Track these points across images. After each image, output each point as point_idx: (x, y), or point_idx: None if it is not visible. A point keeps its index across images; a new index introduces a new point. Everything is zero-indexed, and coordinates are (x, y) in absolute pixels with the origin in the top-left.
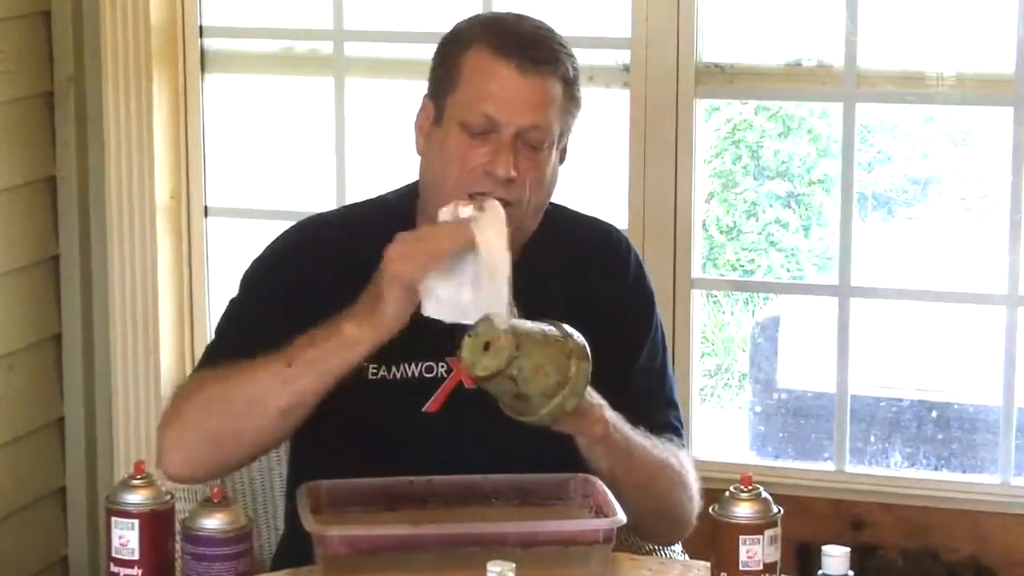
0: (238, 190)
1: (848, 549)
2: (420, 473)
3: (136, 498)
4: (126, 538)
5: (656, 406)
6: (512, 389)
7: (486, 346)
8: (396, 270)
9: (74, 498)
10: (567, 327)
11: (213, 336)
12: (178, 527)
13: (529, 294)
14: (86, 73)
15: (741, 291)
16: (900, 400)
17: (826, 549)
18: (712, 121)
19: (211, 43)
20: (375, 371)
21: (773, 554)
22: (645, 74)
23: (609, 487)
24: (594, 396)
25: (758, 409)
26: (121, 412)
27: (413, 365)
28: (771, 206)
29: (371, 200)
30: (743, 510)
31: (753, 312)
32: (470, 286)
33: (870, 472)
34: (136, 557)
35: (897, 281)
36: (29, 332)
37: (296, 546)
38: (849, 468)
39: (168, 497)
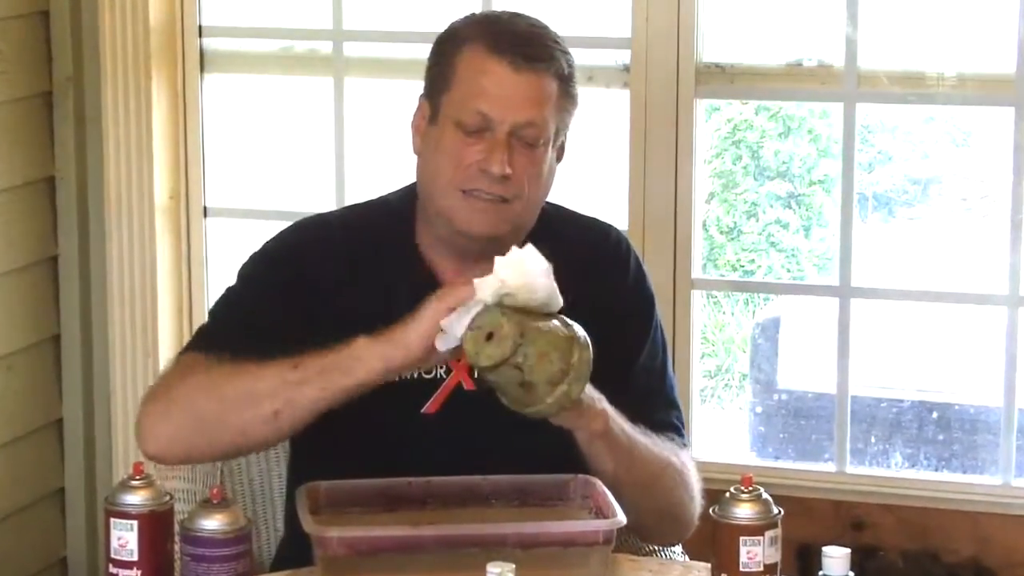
0: (237, 190)
1: (848, 550)
2: (419, 474)
3: (135, 499)
4: (125, 539)
5: (656, 406)
6: (517, 378)
7: (489, 336)
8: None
9: (73, 499)
10: (566, 318)
11: (207, 319)
12: (177, 528)
13: None
14: (85, 73)
15: (741, 292)
16: (901, 401)
17: (826, 550)
18: (712, 121)
19: (210, 43)
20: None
21: (774, 555)
22: (645, 74)
23: (610, 487)
24: (593, 391)
25: (758, 410)
26: (120, 413)
27: None
28: (771, 206)
29: (371, 201)
30: (743, 511)
31: (753, 313)
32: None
33: (871, 473)
34: (135, 558)
35: (898, 282)
36: (28, 333)
37: (295, 547)
38: (850, 469)
39: (167, 498)
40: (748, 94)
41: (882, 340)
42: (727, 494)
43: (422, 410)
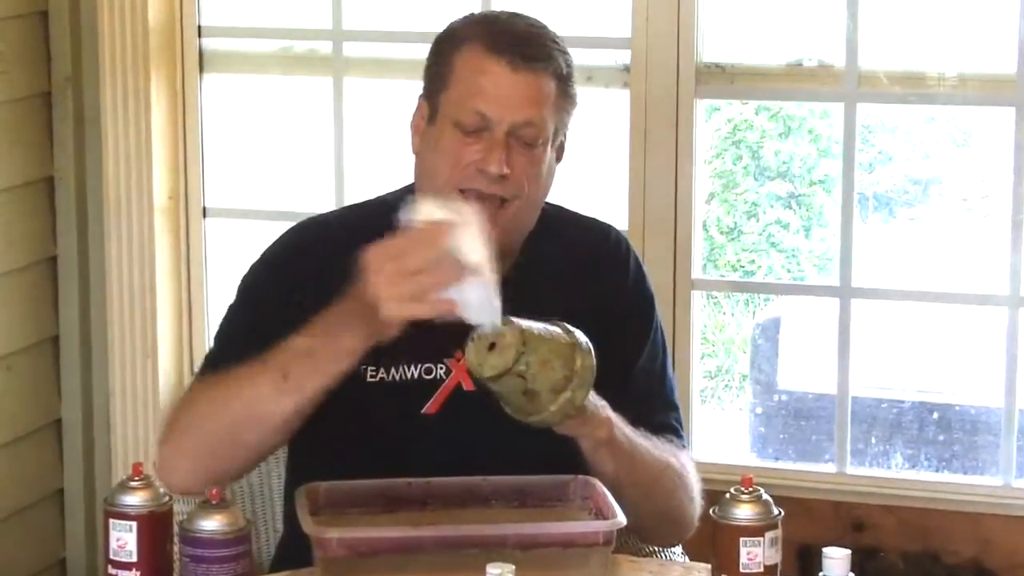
0: (237, 190)
1: (849, 551)
2: (419, 475)
3: (134, 500)
4: (124, 540)
5: (656, 408)
6: (521, 386)
7: (491, 347)
8: (378, 294)
9: (72, 500)
10: (568, 325)
11: (212, 344)
12: (176, 529)
13: (528, 295)
14: (84, 73)
15: (741, 292)
16: (901, 402)
17: (827, 551)
18: (712, 121)
19: (209, 43)
20: (373, 373)
21: (774, 556)
22: (645, 74)
23: (612, 490)
24: (597, 399)
25: (759, 410)
26: (119, 414)
27: (412, 367)
28: (772, 207)
29: (370, 201)
30: (744, 512)
31: (754, 313)
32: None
33: (871, 474)
34: (134, 559)
35: (898, 282)
36: (27, 333)
37: (295, 548)
38: (850, 470)
39: (166, 499)
40: (748, 94)
41: (882, 341)
42: (727, 495)
43: (422, 411)
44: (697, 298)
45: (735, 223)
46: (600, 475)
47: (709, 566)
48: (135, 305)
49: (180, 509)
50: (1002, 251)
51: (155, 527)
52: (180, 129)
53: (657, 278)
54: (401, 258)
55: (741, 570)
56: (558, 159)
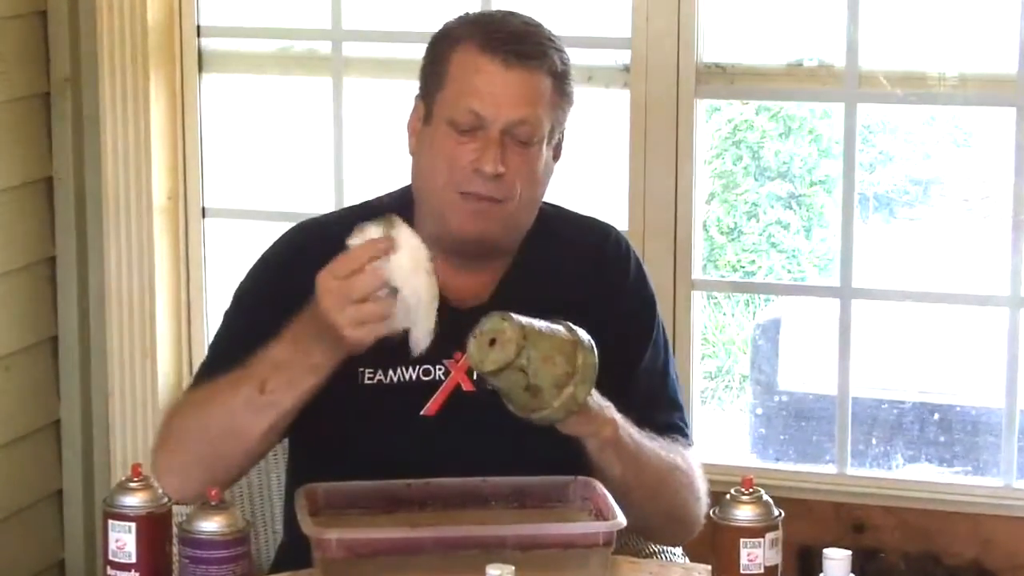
0: (236, 191)
1: (849, 552)
2: (418, 476)
3: (133, 501)
4: (123, 541)
5: (660, 407)
6: (522, 381)
7: (492, 343)
8: (333, 320)
9: (71, 501)
10: (570, 323)
11: (207, 353)
12: (175, 530)
13: (527, 295)
14: (83, 73)
15: (742, 292)
16: (902, 402)
17: (827, 552)
18: (713, 121)
19: (208, 43)
20: (371, 375)
21: (774, 557)
22: (645, 74)
23: (618, 491)
24: (601, 399)
25: (759, 411)
26: (118, 414)
27: (410, 368)
28: (772, 207)
29: (368, 202)
30: (744, 513)
31: (754, 314)
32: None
33: (872, 475)
34: (133, 560)
35: (899, 282)
36: (25, 334)
37: (294, 549)
38: (851, 471)
39: (165, 500)
40: (749, 94)
41: (883, 341)
42: (727, 496)
43: (421, 412)
44: (697, 298)
45: (735, 223)
46: (607, 476)
47: (709, 567)
48: (134, 305)
49: (179, 510)
50: (1003, 251)
51: (154, 528)
52: (179, 129)
53: (657, 279)
54: (346, 284)
55: (741, 571)
56: (556, 158)
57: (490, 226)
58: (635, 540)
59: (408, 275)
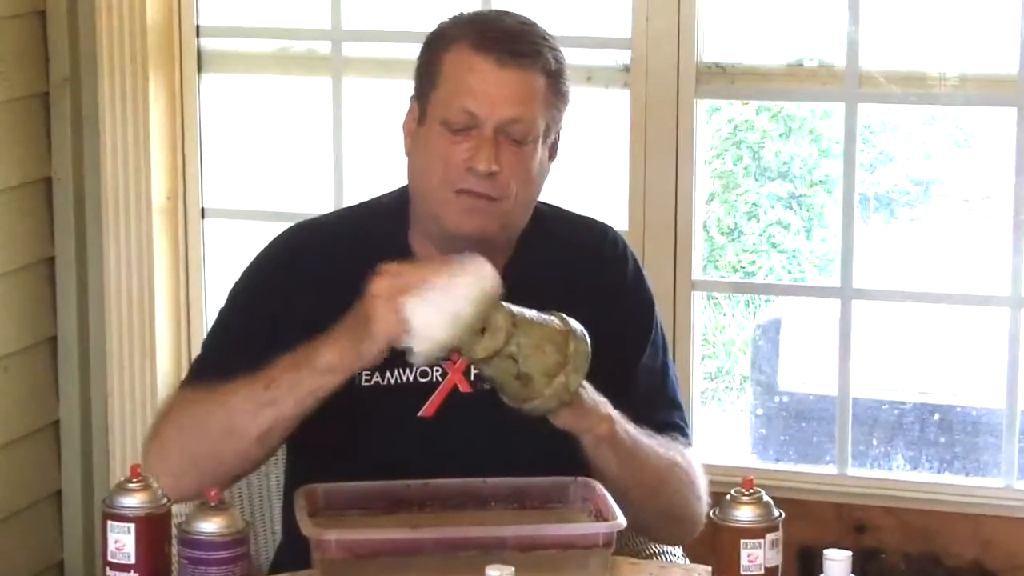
0: (235, 191)
1: (850, 553)
2: (417, 477)
3: (132, 501)
4: (122, 542)
5: (659, 406)
6: (513, 369)
7: (482, 331)
8: (380, 298)
9: (70, 502)
10: (563, 314)
11: (200, 351)
12: (174, 531)
13: (524, 294)
14: (82, 73)
15: (742, 293)
16: (902, 403)
17: (828, 553)
18: (713, 121)
19: (208, 43)
20: (368, 377)
21: (774, 558)
22: (645, 74)
23: (616, 490)
24: (597, 395)
25: (759, 412)
26: (117, 415)
27: (407, 370)
28: (772, 207)
29: (366, 202)
30: (744, 514)
31: (754, 314)
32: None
33: (872, 475)
34: (132, 561)
35: (899, 283)
36: (24, 334)
37: (293, 550)
38: (851, 471)
39: (164, 500)
40: (749, 94)
41: (884, 342)
42: (728, 496)
43: (419, 413)
44: (697, 299)
45: (735, 224)
46: (603, 473)
47: (709, 568)
48: (133, 306)
49: (178, 511)
50: (1003, 252)
51: (153, 529)
52: (178, 129)
53: (657, 279)
54: (412, 274)
55: (742, 572)
56: (551, 157)
57: (485, 223)
58: (635, 541)
59: (462, 288)
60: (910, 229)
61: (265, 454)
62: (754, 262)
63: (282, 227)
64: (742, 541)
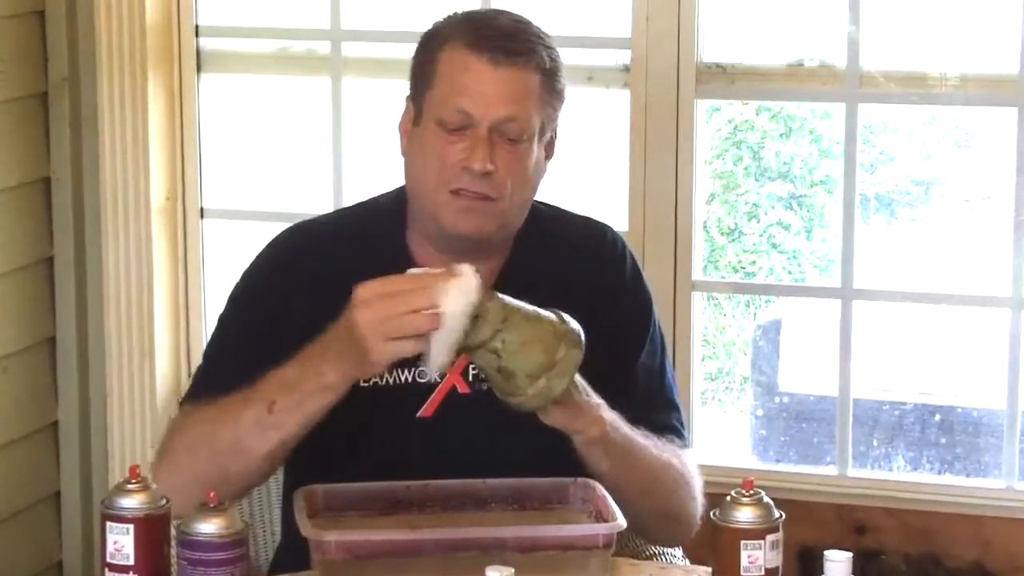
0: (234, 191)
1: (850, 554)
2: (416, 478)
3: (131, 502)
4: (121, 543)
5: (656, 406)
6: (495, 363)
7: (476, 318)
8: (365, 333)
9: (69, 503)
10: (565, 314)
11: (201, 361)
12: (173, 532)
13: (521, 294)
14: (81, 73)
15: (742, 293)
16: (903, 404)
17: (828, 554)
18: (713, 122)
19: (207, 43)
20: (367, 378)
21: (775, 559)
22: (645, 74)
23: (609, 488)
24: (592, 396)
25: (760, 413)
26: (116, 416)
27: (405, 370)
28: (772, 208)
29: (364, 203)
30: (745, 515)
31: (754, 315)
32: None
33: (873, 476)
34: (131, 562)
35: (900, 283)
36: (23, 335)
37: (292, 551)
38: (852, 472)
39: (163, 501)
40: (749, 94)
41: (884, 342)
42: (728, 497)
43: (417, 414)
44: (698, 299)
45: (736, 224)
46: (595, 472)
47: (710, 569)
48: (132, 306)
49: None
50: (1004, 252)
51: (152, 530)
52: (177, 129)
53: (657, 279)
54: (390, 299)
55: (742, 573)
56: (548, 156)
57: (482, 223)
58: (635, 542)
59: (451, 302)
60: (911, 229)
61: (272, 469)
62: (754, 262)
63: (281, 227)
64: (742, 542)
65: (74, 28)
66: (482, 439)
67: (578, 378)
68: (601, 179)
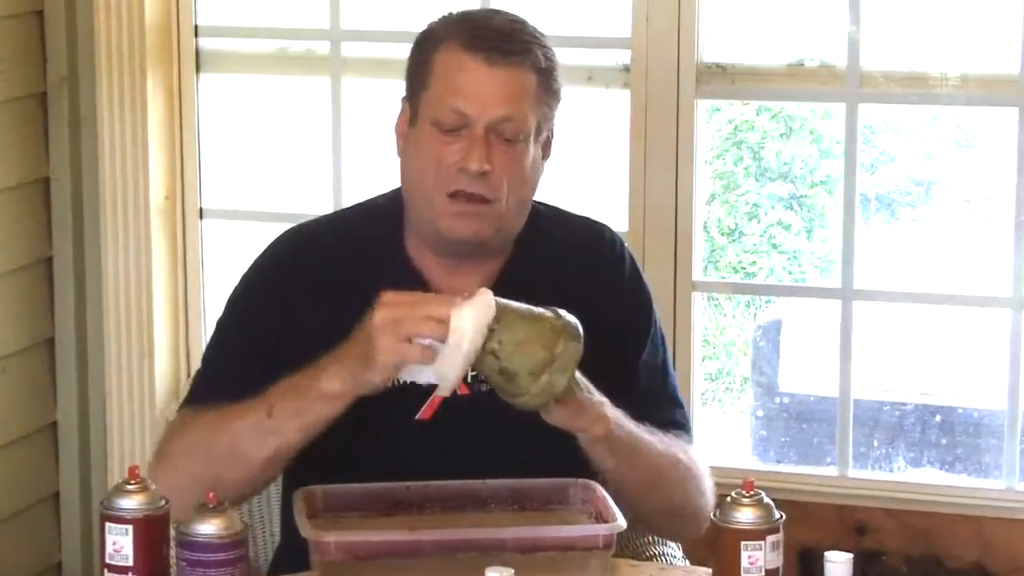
0: (233, 191)
1: (851, 555)
2: (414, 480)
3: (130, 503)
4: (120, 544)
5: (660, 403)
6: (495, 365)
7: None
8: (381, 330)
9: (68, 503)
10: (560, 310)
11: (200, 365)
12: (173, 533)
13: (521, 294)
14: (80, 73)
15: (743, 294)
16: (904, 404)
17: (829, 555)
18: (713, 122)
19: (206, 43)
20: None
21: (775, 560)
22: (645, 74)
23: (616, 486)
24: (595, 394)
25: (760, 413)
26: (115, 416)
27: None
28: (773, 208)
29: (361, 204)
30: (745, 516)
31: (755, 315)
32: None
33: (873, 477)
34: (130, 563)
35: (900, 284)
36: (22, 335)
37: (292, 552)
38: (852, 473)
39: (162, 502)
40: (749, 94)
41: (885, 343)
42: (728, 498)
43: (416, 416)
44: (698, 300)
45: (736, 224)
46: (601, 470)
47: (710, 570)
48: (131, 307)
49: None
50: (1005, 252)
51: (151, 530)
52: (176, 130)
53: (657, 279)
54: (412, 304)
55: (742, 574)
56: (545, 156)
57: (480, 227)
58: (636, 542)
59: (466, 318)
60: (911, 230)
61: (272, 476)
62: (755, 263)
63: (280, 228)
64: (743, 543)
65: (73, 28)
66: (481, 440)
67: (580, 376)
68: (601, 179)
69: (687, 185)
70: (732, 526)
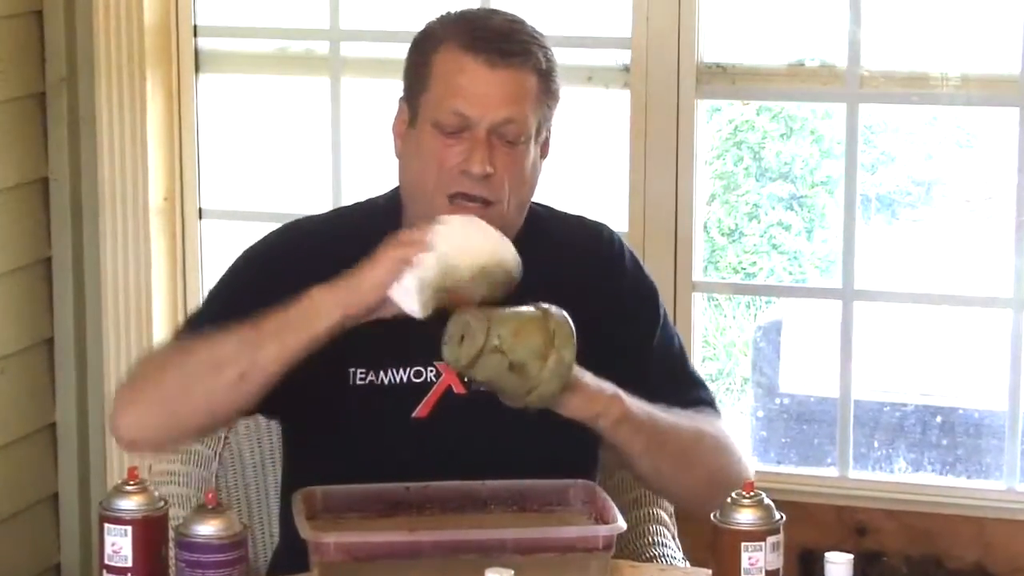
0: (232, 192)
1: (851, 556)
2: (413, 479)
3: (129, 504)
4: (119, 545)
5: (685, 386)
6: (503, 362)
7: (462, 339)
8: (384, 250)
9: (67, 504)
10: (536, 302)
11: (192, 312)
12: (172, 534)
13: (521, 298)
14: (79, 73)
15: (743, 294)
16: (904, 405)
17: (829, 556)
18: (713, 122)
19: (205, 43)
20: (363, 376)
21: (775, 561)
22: (646, 74)
23: (649, 470)
24: (602, 381)
25: (760, 414)
26: None
27: (401, 370)
28: (773, 208)
29: (360, 203)
30: (745, 516)
31: (755, 316)
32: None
33: (874, 478)
34: (129, 564)
35: (901, 284)
36: (21, 335)
37: (291, 553)
38: (852, 474)
39: (162, 503)
40: (749, 94)
41: (885, 343)
42: (728, 499)
43: (413, 414)
44: (698, 300)
45: (736, 225)
46: (631, 456)
47: (710, 571)
48: (130, 307)
49: (176, 513)
50: (1006, 253)
51: (150, 532)
52: (176, 130)
53: (657, 280)
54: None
55: (743, 575)
56: (543, 156)
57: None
58: (636, 544)
59: (440, 230)
60: (912, 230)
61: (235, 403)
62: (755, 263)
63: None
64: (743, 544)
65: (72, 28)
66: (478, 439)
67: (584, 370)
68: (601, 179)
69: (687, 185)
70: (732, 527)
